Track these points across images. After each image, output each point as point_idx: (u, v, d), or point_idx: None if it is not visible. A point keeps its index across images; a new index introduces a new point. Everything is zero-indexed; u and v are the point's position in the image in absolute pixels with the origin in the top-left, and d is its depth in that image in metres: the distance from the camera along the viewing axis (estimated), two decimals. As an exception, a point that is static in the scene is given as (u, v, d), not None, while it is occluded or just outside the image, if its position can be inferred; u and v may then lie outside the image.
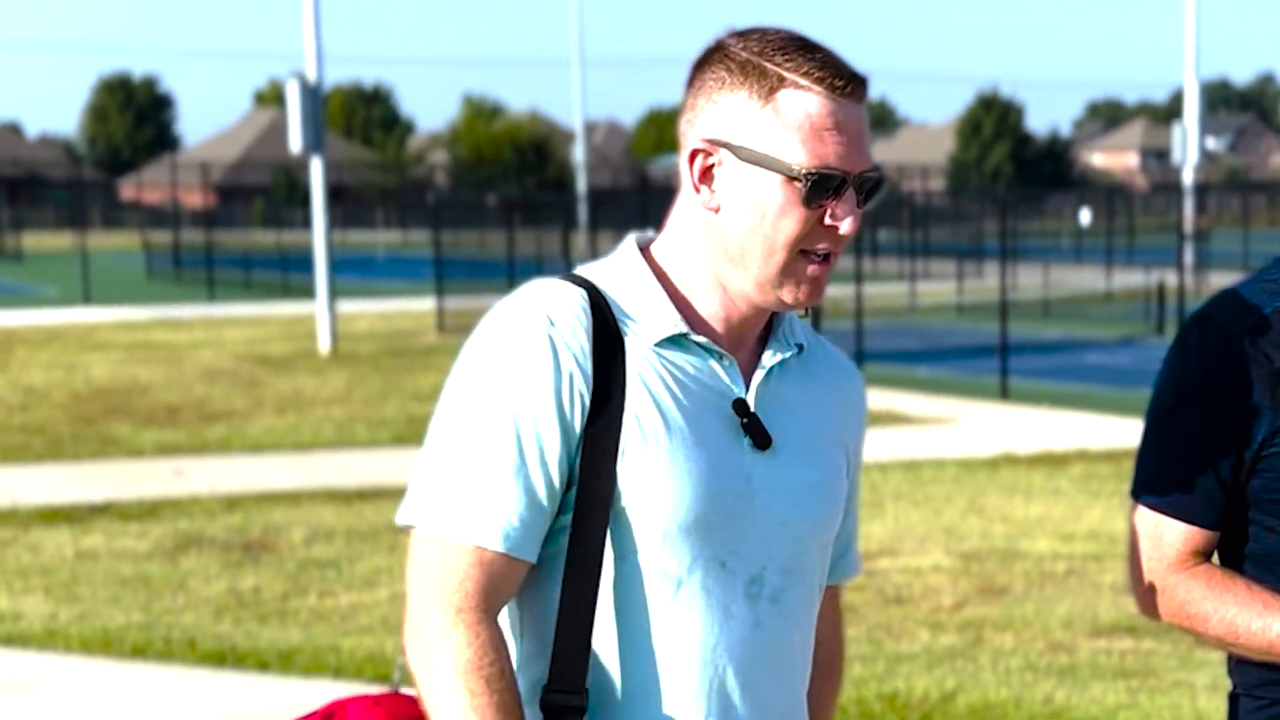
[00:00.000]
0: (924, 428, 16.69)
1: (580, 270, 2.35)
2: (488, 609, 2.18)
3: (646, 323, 2.28)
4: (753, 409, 2.31)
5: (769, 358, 2.35)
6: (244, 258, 42.01)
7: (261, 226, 63.53)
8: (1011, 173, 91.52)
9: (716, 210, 2.27)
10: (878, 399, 18.51)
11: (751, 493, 2.28)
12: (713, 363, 2.30)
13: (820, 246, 2.27)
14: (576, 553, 2.22)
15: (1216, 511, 2.60)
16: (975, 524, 11.32)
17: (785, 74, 2.24)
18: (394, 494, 12.46)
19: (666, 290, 2.31)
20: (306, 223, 36.77)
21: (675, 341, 2.28)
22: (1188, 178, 39.67)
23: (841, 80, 2.25)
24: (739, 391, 2.30)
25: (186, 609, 8.91)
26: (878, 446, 14.90)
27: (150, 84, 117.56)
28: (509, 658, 2.20)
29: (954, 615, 8.68)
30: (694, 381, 2.28)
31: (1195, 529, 2.61)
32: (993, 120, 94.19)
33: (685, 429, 2.24)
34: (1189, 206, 38.53)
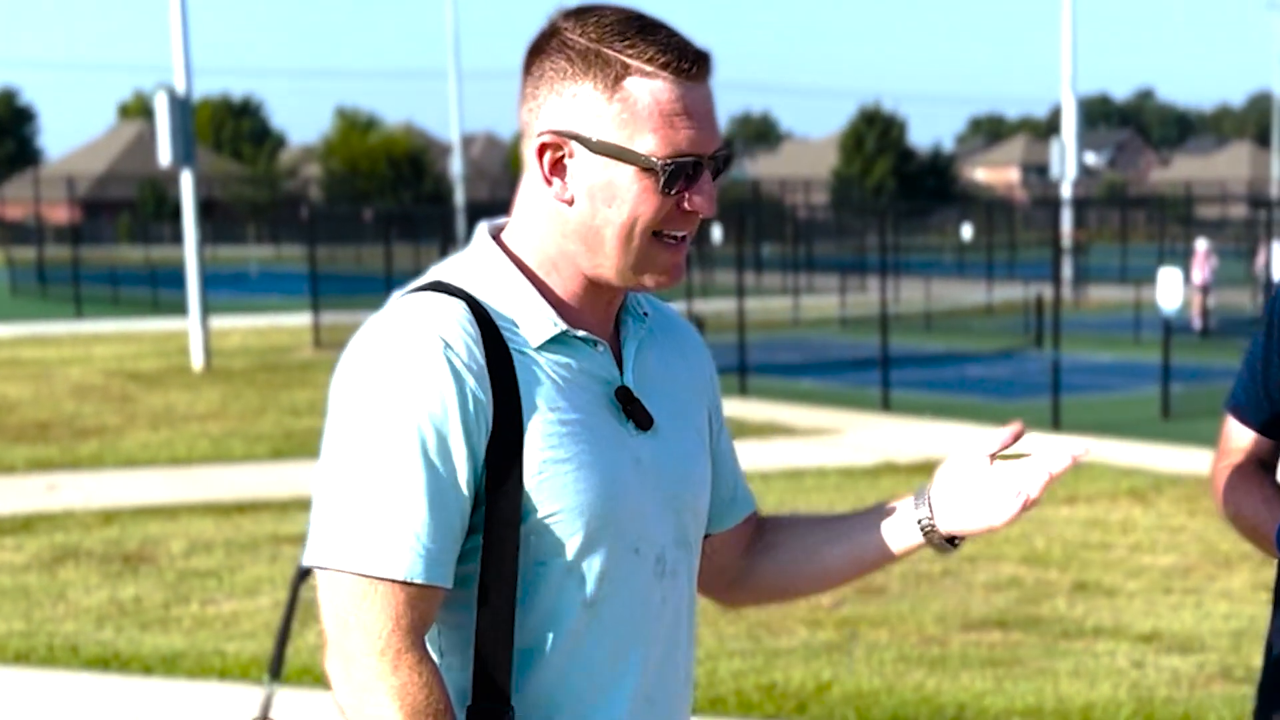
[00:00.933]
0: (807, 439, 17.11)
1: (442, 275, 2.34)
2: (419, 642, 2.18)
3: (526, 326, 2.29)
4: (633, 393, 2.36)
5: (632, 336, 2.41)
6: (111, 273, 41.88)
7: (129, 242, 63.20)
8: (894, 187, 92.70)
9: (570, 202, 2.29)
10: (761, 411, 18.99)
11: (643, 475, 2.32)
12: (588, 351, 2.33)
13: (678, 231, 2.31)
14: (491, 569, 2.23)
15: (1265, 416, 3.14)
16: (854, 530, 11.70)
17: (629, 60, 2.25)
18: (273, 506, 12.70)
19: (536, 286, 2.33)
20: (175, 238, 36.88)
21: (556, 340, 2.30)
22: (1066, 192, 40.61)
23: (687, 62, 2.27)
24: (618, 378, 2.35)
25: (67, 617, 9.09)
26: (762, 457, 15.33)
27: (10, 96, 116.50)
28: (446, 689, 2.20)
29: (832, 613, 9.05)
30: (579, 376, 2.31)
31: (1250, 432, 3.16)
32: (875, 135, 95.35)
33: (581, 427, 2.27)
34: (1067, 221, 39.37)
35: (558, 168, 2.29)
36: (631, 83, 2.25)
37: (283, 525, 11.87)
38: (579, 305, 2.34)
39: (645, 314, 2.44)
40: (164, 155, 26.11)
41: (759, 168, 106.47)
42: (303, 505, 12.68)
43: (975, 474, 2.46)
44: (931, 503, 2.48)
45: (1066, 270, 38.36)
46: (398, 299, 2.28)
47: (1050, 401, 17.91)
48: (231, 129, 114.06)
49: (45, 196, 52.55)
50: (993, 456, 2.44)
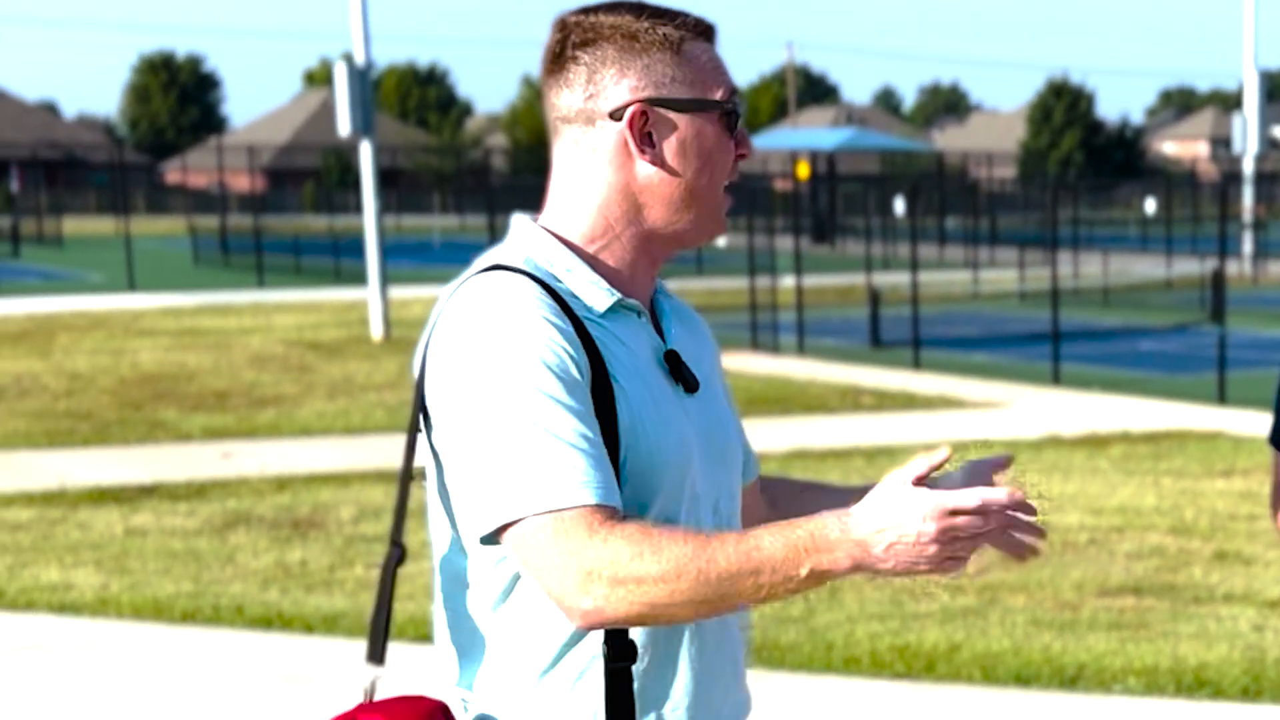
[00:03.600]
0: (975, 411, 17.47)
1: (496, 259, 2.53)
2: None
3: (585, 296, 2.50)
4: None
5: (666, 309, 2.65)
6: (294, 243, 42.82)
7: (312, 211, 64.51)
8: (1082, 160, 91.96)
9: (660, 164, 2.52)
10: (933, 384, 19.36)
11: (696, 432, 2.55)
12: (636, 320, 2.55)
13: (734, 177, 2.63)
14: None
15: None
16: (1010, 501, 12.08)
17: (678, 31, 2.54)
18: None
19: (586, 262, 2.54)
20: (359, 207, 37.49)
21: (613, 309, 2.51)
22: (1248, 167, 40.45)
23: (709, 28, 2.60)
24: (662, 344, 2.58)
25: (234, 580, 9.70)
26: (927, 429, 15.73)
27: (194, 64, 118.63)
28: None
29: (975, 580, 9.47)
30: (635, 342, 2.52)
31: None
32: (1063, 107, 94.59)
33: (652, 387, 2.50)
34: (1248, 195, 39.23)
35: (645, 136, 2.52)
36: (689, 47, 2.54)
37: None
38: (630, 275, 2.57)
39: (669, 294, 2.70)
40: (343, 125, 26.73)
41: (946, 139, 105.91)
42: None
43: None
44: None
45: (1247, 245, 38.18)
46: (468, 282, 2.48)
47: (1216, 377, 18.15)
48: (417, 97, 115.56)
49: (229, 165, 53.80)
50: (918, 481, 2.44)
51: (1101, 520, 11.23)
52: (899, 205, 51.59)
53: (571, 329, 2.42)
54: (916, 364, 21.10)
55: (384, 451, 14.51)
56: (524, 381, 2.35)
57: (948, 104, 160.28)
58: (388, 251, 27.23)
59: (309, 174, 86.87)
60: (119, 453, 14.65)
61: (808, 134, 70.14)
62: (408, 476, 2.61)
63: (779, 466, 13.46)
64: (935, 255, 44.16)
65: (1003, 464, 2.64)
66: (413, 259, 43.53)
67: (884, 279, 28.21)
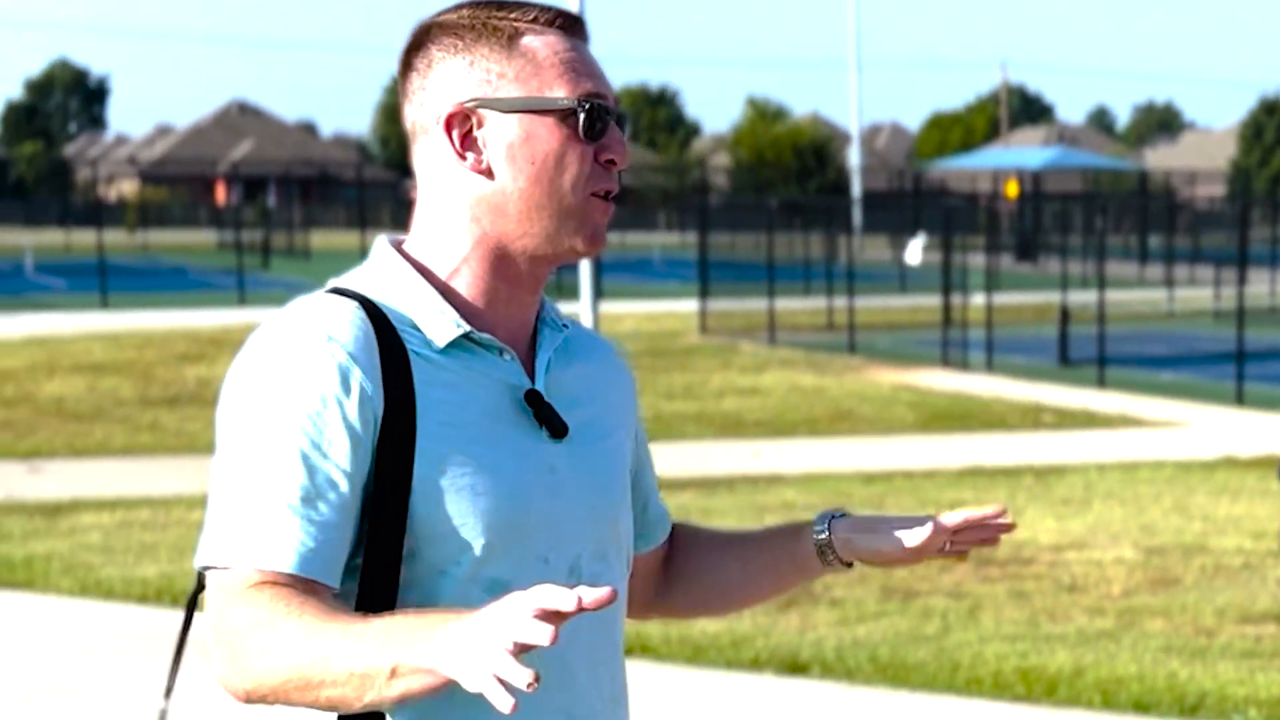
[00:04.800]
0: (1153, 430, 17.15)
1: (340, 282, 2.25)
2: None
3: (427, 328, 2.20)
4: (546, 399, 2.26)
5: (547, 345, 2.31)
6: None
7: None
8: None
9: (488, 173, 2.22)
10: (1115, 402, 19.03)
11: (559, 484, 2.23)
12: (494, 358, 2.23)
13: (602, 185, 2.24)
14: (371, 570, 2.13)
15: None
16: (1173, 522, 11.84)
17: (517, 24, 2.23)
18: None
19: (438, 289, 2.23)
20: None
21: (458, 344, 2.20)
22: None
23: (566, 20, 2.27)
24: (527, 384, 2.25)
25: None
26: (1102, 448, 15.48)
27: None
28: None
29: (1117, 603, 9.30)
30: (483, 380, 2.21)
31: None
32: (1275, 125, 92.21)
33: (484, 432, 2.18)
34: None
35: (469, 141, 2.22)
36: (527, 39, 2.22)
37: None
38: (489, 308, 2.25)
39: (564, 326, 2.36)
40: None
41: (1157, 158, 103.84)
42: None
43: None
44: (833, 526, 2.43)
45: None
46: (288, 304, 2.22)
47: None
48: (648, 118, 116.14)
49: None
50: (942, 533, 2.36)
51: (1260, 545, 10.95)
52: (1099, 222, 50.69)
53: (373, 363, 2.12)
54: (1102, 383, 20.75)
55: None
56: (272, 426, 2.09)
57: (1161, 122, 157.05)
58: (610, 267, 27.39)
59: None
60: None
61: (1015, 153, 69.47)
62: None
63: (950, 484, 13.35)
64: (1135, 274, 43.41)
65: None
66: (635, 274, 43.80)
67: (1081, 297, 27.77)
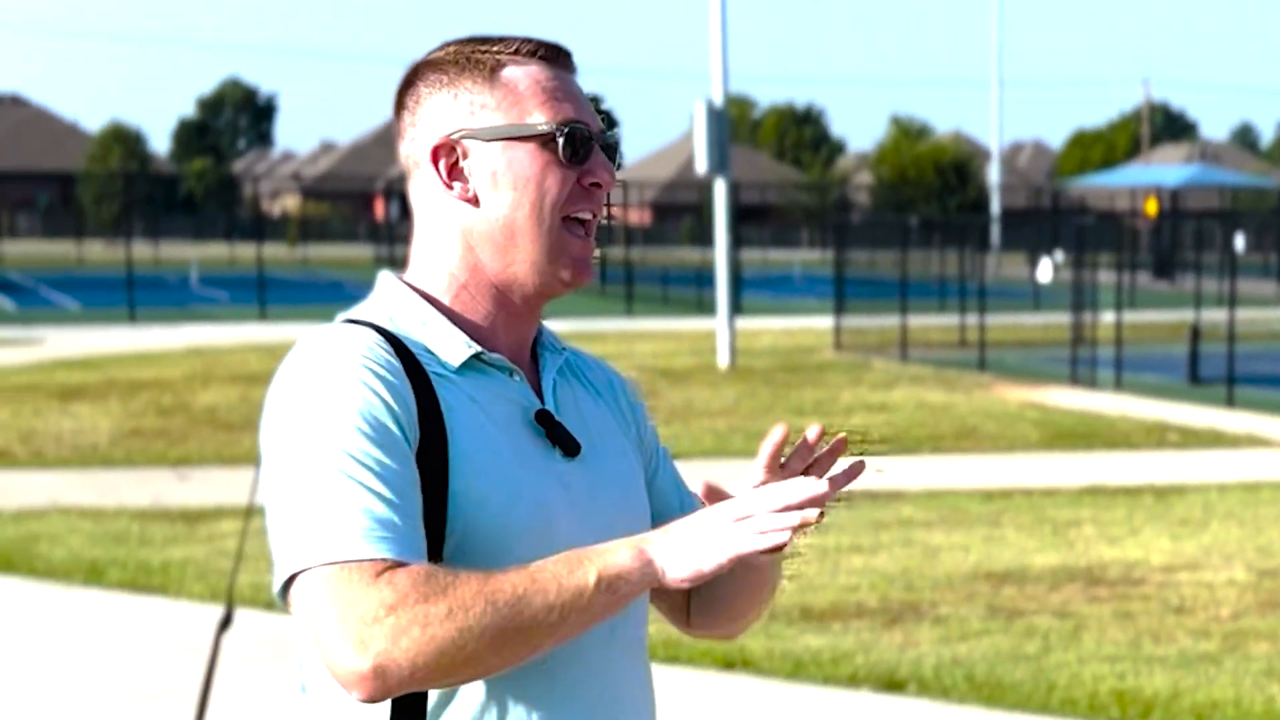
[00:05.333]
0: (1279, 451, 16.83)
1: (350, 314, 2.27)
2: None
3: (440, 351, 2.22)
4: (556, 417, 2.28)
5: (551, 365, 2.34)
6: (663, 274, 43.39)
7: (688, 244, 65.22)
8: None
9: (474, 201, 2.25)
10: (1243, 422, 18.68)
11: (575, 500, 2.23)
12: (505, 379, 2.26)
13: (584, 210, 2.26)
14: None
15: None
16: (1291, 544, 11.63)
17: (499, 56, 2.26)
18: (746, 499, 13.33)
19: (445, 315, 2.26)
20: (734, 241, 37.71)
21: (470, 365, 2.22)
22: None
23: (549, 51, 2.29)
24: (537, 404, 2.27)
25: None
26: (1227, 468, 15.21)
27: (594, 102, 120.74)
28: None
29: (1224, 625, 9.14)
30: (497, 401, 2.23)
31: None
32: None
33: (507, 450, 2.19)
34: None
35: (455, 171, 2.26)
36: (508, 70, 2.26)
37: (749, 518, 12.49)
38: (491, 328, 2.28)
39: (562, 349, 2.39)
40: (700, 164, 26.83)
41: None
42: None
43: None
44: None
45: None
46: (309, 334, 2.21)
47: None
48: (794, 136, 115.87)
49: (623, 200, 54.63)
50: (768, 469, 2.28)
51: (1374, 567, 10.73)
52: (1239, 242, 49.91)
53: (406, 387, 2.14)
54: (1230, 402, 20.39)
55: (696, 476, 14.55)
56: (329, 436, 2.08)
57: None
58: (751, 284, 27.41)
59: (690, 209, 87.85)
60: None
61: (1154, 171, 68.48)
62: (248, 524, 2.30)
63: (1069, 502, 13.20)
64: (1273, 292, 42.63)
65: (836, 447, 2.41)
66: (773, 291, 43.73)
67: (1216, 316, 27.32)
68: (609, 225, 2.41)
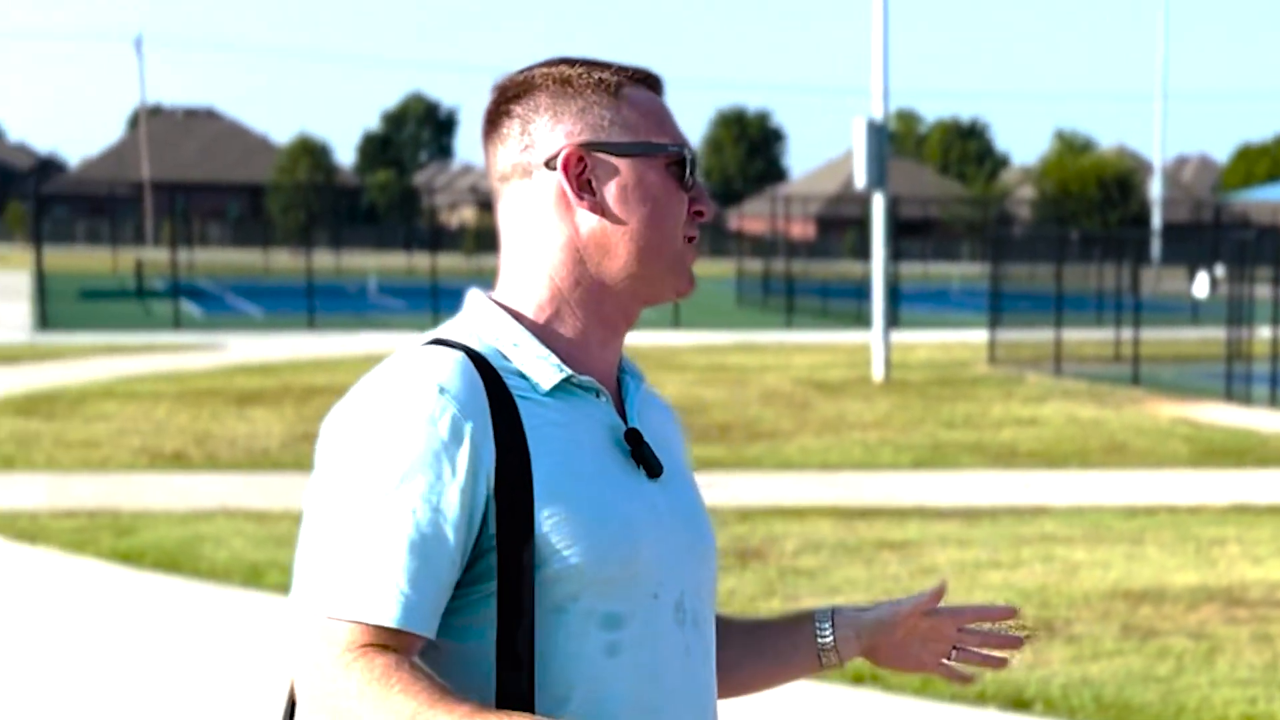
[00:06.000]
0: None
1: (439, 333, 2.21)
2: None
3: (531, 373, 2.16)
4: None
5: (633, 389, 2.30)
6: (823, 287, 43.18)
7: (851, 257, 64.86)
8: None
9: (602, 213, 2.20)
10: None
11: (658, 521, 2.19)
12: (592, 400, 2.21)
13: (692, 233, 2.27)
14: (508, 615, 2.09)
15: None
16: None
17: (617, 76, 2.24)
18: (891, 513, 13.18)
19: (535, 335, 2.20)
20: (894, 254, 37.45)
21: (560, 387, 2.17)
22: None
23: (654, 78, 2.29)
24: (622, 425, 2.23)
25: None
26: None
27: (763, 118, 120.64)
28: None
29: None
30: (586, 422, 2.18)
31: None
32: None
33: (595, 472, 2.15)
34: None
35: (583, 184, 2.20)
36: (629, 90, 2.24)
37: (892, 531, 12.35)
38: (585, 347, 2.23)
39: (640, 374, 2.37)
40: (859, 179, 26.59)
41: None
42: (920, 514, 13.18)
43: (907, 628, 2.49)
44: (836, 628, 2.48)
45: None
46: (393, 354, 2.17)
47: None
48: (958, 150, 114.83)
49: (783, 213, 54.50)
50: (917, 614, 2.42)
51: None
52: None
53: (484, 411, 2.08)
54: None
55: (848, 488, 14.51)
56: (384, 477, 2.04)
57: None
58: (909, 297, 27.13)
59: (854, 222, 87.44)
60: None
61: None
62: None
63: (1214, 520, 12.89)
64: None
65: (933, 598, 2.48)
66: (931, 304, 43.31)
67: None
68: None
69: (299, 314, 36.15)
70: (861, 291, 41.02)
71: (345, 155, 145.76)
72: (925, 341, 32.26)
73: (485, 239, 78.91)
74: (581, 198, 2.20)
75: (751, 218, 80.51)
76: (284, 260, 68.65)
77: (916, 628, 2.47)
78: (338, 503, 2.06)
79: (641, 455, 2.21)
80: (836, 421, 19.37)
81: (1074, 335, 28.33)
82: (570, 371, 2.18)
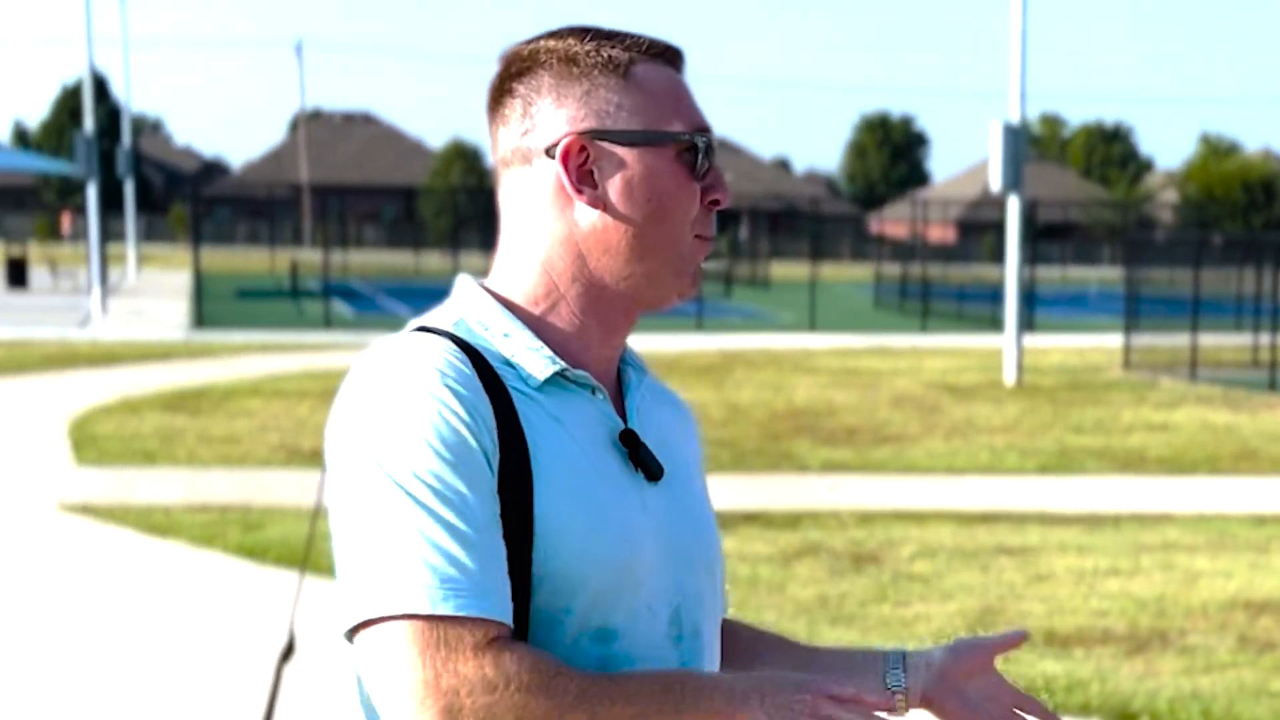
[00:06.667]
0: None
1: (424, 321, 2.03)
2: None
3: (523, 364, 1.98)
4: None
5: (635, 387, 2.11)
6: (959, 290, 42.69)
7: (990, 261, 64.12)
8: None
9: (602, 207, 1.99)
10: None
11: (657, 528, 2.01)
12: (588, 397, 2.02)
13: (707, 229, 2.06)
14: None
15: None
16: None
17: (629, 52, 2.01)
18: (1011, 518, 12.89)
19: (529, 326, 2.02)
20: (1031, 258, 36.94)
21: (553, 382, 1.99)
22: None
23: (670, 52, 2.06)
24: (620, 424, 2.04)
25: (771, 608, 9.64)
26: None
27: (906, 123, 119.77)
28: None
29: None
30: (580, 420, 2.00)
31: None
32: None
33: (592, 470, 1.97)
34: None
35: (584, 174, 2.01)
36: (641, 69, 2.01)
37: (1011, 537, 12.09)
38: (583, 342, 2.04)
39: (645, 369, 2.18)
40: (994, 182, 26.17)
41: None
42: (1042, 519, 12.88)
43: (976, 672, 2.24)
44: (908, 672, 2.24)
45: None
46: (378, 342, 1.99)
47: None
48: (1101, 154, 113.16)
49: (923, 217, 53.98)
50: (993, 654, 2.23)
51: None
52: None
53: (485, 403, 1.90)
54: None
55: (970, 492, 14.25)
56: (405, 460, 1.85)
57: None
58: (1046, 301, 26.74)
59: (994, 226, 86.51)
60: (743, 480, 14.82)
61: None
62: (309, 548, 2.08)
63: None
64: None
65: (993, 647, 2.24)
66: (1068, 308, 42.62)
67: None
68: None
69: (444, 315, 36.31)
70: (998, 295, 40.51)
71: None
72: (1060, 346, 31.74)
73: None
74: (581, 191, 2.00)
75: (892, 222, 79.88)
76: (435, 262, 69.22)
77: (976, 676, 2.23)
78: (374, 498, 1.86)
79: (639, 457, 2.02)
80: (965, 426, 19.06)
81: (1211, 340, 27.71)
82: (564, 365, 2.00)
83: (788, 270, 66.19)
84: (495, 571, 1.85)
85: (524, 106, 2.02)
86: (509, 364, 1.98)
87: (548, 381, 1.98)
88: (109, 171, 50.04)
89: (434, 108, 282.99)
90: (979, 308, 40.50)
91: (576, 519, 1.92)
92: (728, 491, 14.07)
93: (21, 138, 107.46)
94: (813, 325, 35.60)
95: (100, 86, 76.94)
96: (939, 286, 42.80)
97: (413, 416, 1.87)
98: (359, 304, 42.64)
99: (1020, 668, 8.15)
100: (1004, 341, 26.05)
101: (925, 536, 12.06)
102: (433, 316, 2.04)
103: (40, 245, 64.47)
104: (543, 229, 2.03)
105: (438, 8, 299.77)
